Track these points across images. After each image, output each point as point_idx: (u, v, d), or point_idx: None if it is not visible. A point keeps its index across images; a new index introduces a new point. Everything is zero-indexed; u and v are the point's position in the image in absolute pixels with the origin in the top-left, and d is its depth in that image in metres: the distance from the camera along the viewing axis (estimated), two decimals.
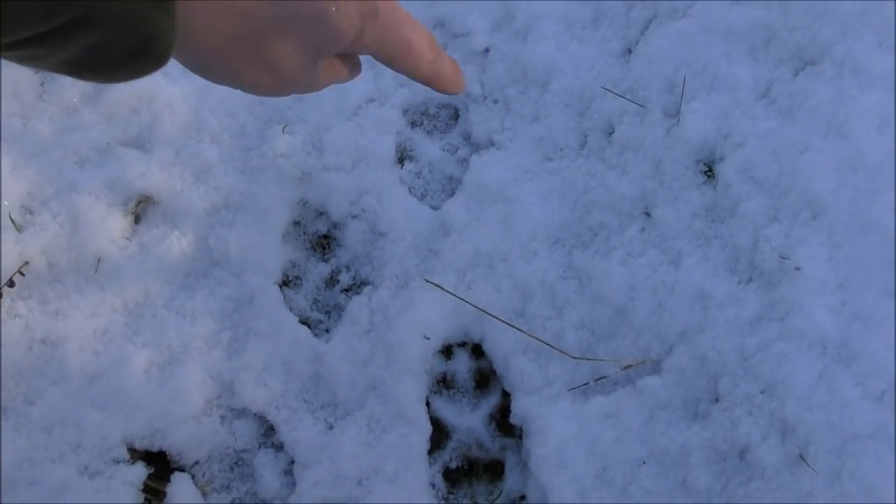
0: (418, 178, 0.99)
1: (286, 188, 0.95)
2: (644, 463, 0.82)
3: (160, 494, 0.85)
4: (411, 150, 1.00)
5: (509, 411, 0.88)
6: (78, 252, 0.91)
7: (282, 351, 0.89)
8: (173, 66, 0.44)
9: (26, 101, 0.99)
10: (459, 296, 0.89)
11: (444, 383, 0.91)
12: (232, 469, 0.88)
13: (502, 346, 0.88)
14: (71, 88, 0.99)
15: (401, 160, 0.99)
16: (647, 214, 0.89)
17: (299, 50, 0.43)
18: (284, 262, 0.95)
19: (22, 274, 0.90)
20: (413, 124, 1.02)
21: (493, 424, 0.90)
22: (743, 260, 0.84)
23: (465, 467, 0.89)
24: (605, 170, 0.92)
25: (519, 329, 0.88)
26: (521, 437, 0.87)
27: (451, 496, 0.88)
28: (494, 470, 0.89)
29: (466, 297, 0.89)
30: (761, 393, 0.79)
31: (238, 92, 0.46)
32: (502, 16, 1.03)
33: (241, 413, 0.89)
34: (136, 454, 0.87)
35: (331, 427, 0.88)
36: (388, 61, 0.49)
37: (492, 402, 0.90)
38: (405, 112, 1.01)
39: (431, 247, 0.93)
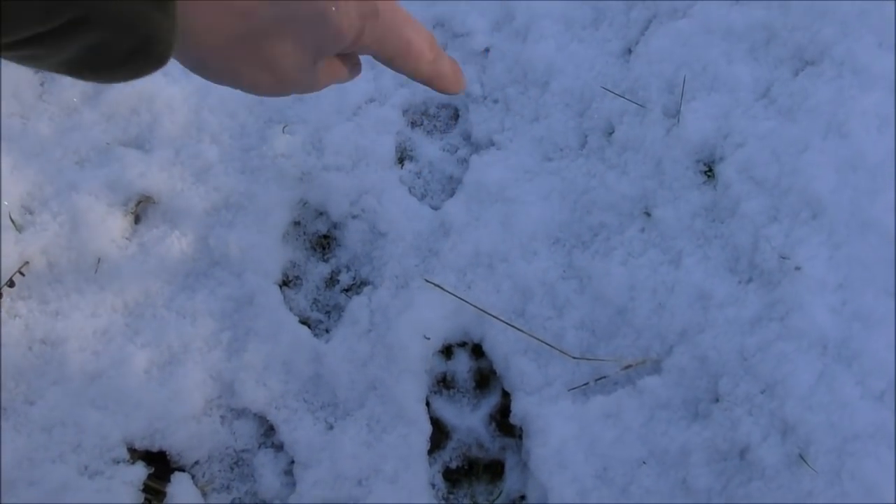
0: (418, 178, 0.98)
1: (286, 188, 0.95)
2: (644, 463, 0.82)
3: (160, 494, 0.85)
4: (411, 150, 1.00)
5: (509, 411, 0.88)
6: (78, 252, 0.91)
7: (282, 351, 0.89)
8: (173, 66, 0.44)
9: (26, 101, 0.99)
10: (459, 296, 0.89)
11: (444, 383, 0.91)
12: (232, 469, 0.88)
13: (502, 346, 0.88)
14: (71, 88, 0.99)
15: (401, 160, 0.99)
16: (648, 214, 0.89)
17: (299, 50, 0.43)
18: (284, 262, 0.95)
19: (22, 274, 0.90)
20: (413, 124, 1.02)
21: (493, 424, 0.90)
22: (743, 260, 0.84)
23: (465, 467, 0.89)
24: (605, 170, 0.92)
25: (519, 329, 0.88)
26: (521, 437, 0.87)
27: (451, 496, 0.88)
28: (494, 470, 0.89)
29: (466, 297, 0.89)
30: (761, 393, 0.79)
31: (238, 92, 0.46)
32: (502, 16, 1.03)
33: (241, 413, 0.89)
34: (136, 454, 0.87)
35: (331, 427, 0.88)
36: (388, 61, 0.49)
37: (492, 402, 0.90)
38: (405, 112, 1.01)
39: (431, 247, 0.93)
